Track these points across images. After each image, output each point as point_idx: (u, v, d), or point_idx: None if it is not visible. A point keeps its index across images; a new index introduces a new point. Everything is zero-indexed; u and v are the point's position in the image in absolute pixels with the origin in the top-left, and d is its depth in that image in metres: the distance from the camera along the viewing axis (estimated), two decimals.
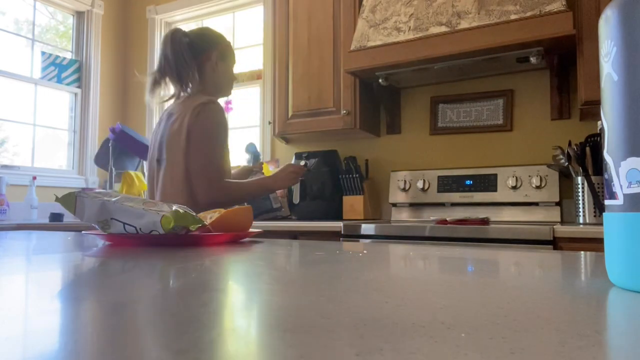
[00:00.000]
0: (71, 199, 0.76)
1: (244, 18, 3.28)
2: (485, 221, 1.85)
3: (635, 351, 0.19)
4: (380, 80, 2.25)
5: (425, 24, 2.00)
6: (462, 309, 0.27)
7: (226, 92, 1.57)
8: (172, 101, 1.55)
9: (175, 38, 1.45)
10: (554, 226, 1.60)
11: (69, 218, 2.92)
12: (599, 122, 1.98)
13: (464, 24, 1.91)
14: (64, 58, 3.36)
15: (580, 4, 1.84)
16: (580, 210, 1.81)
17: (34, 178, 2.80)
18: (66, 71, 3.35)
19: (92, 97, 3.42)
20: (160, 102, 1.55)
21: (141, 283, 0.36)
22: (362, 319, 0.24)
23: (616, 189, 0.33)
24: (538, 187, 2.07)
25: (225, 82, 1.54)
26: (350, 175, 2.38)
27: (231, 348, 0.19)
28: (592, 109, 1.87)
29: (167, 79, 1.46)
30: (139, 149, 2.87)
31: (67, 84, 3.35)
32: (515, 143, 2.27)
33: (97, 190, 0.83)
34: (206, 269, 0.45)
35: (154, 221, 0.73)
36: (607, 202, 0.35)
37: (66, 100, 3.38)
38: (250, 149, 2.35)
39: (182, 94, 1.49)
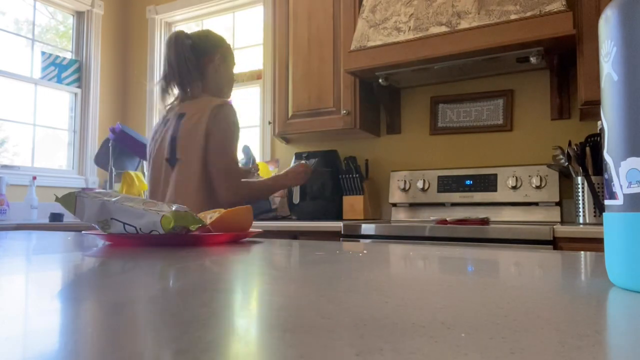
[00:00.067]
0: (71, 199, 0.76)
1: (244, 18, 3.28)
2: (485, 221, 1.85)
3: (635, 351, 0.19)
4: (380, 80, 2.25)
5: (425, 24, 2.00)
6: (462, 309, 0.27)
7: (227, 93, 1.61)
8: (174, 101, 1.56)
9: (178, 41, 1.48)
10: (554, 226, 1.60)
11: (69, 218, 2.92)
12: (599, 122, 1.98)
13: (464, 24, 1.91)
14: (64, 58, 3.36)
15: (580, 4, 1.84)
16: (580, 210, 1.81)
17: (34, 178, 2.80)
18: (66, 71, 3.35)
19: (92, 97, 3.42)
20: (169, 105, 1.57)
21: (141, 283, 0.36)
22: (362, 319, 0.24)
23: (616, 189, 0.33)
24: (538, 187, 2.07)
25: (226, 83, 1.57)
26: (350, 175, 2.38)
27: (231, 348, 0.19)
28: (592, 109, 1.87)
29: (173, 85, 1.50)
30: (139, 149, 2.87)
31: (67, 84, 3.35)
32: (515, 143, 2.27)
33: (97, 190, 0.83)
34: (206, 269, 0.45)
35: (154, 221, 0.73)
36: (607, 202, 0.35)
37: (66, 100, 3.38)
38: (246, 150, 2.38)
39: (188, 94, 1.51)
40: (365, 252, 0.64)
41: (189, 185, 1.41)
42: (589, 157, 1.81)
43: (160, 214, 0.73)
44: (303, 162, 1.64)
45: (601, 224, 1.69)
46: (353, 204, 2.38)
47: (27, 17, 3.20)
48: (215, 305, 0.28)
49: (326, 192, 2.40)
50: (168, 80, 1.49)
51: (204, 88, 1.52)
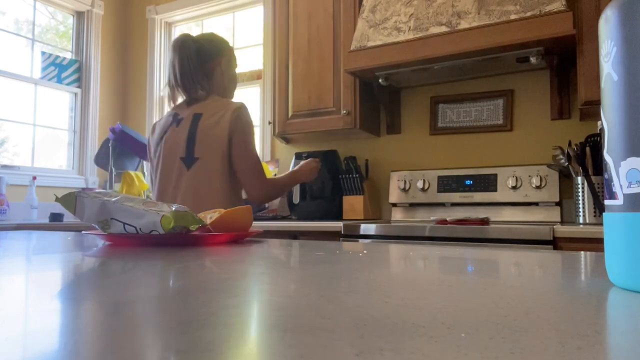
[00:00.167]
0: (71, 199, 0.76)
1: (244, 18, 3.28)
2: (485, 221, 1.85)
3: (635, 351, 0.19)
4: (380, 80, 2.25)
5: (425, 24, 2.00)
6: (462, 309, 0.27)
7: (232, 93, 1.64)
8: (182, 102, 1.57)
9: (184, 45, 1.51)
10: (554, 226, 1.60)
11: (69, 218, 2.92)
12: (599, 122, 1.98)
13: (464, 24, 1.91)
14: (64, 58, 3.36)
15: (580, 4, 1.84)
16: (580, 210, 1.81)
17: (34, 178, 2.80)
18: (66, 71, 3.35)
19: (92, 97, 3.42)
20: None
21: (141, 283, 0.36)
22: (362, 319, 0.24)
23: (616, 189, 0.33)
24: (538, 187, 2.07)
25: (231, 84, 1.62)
26: (350, 175, 2.38)
27: (231, 348, 0.19)
28: (592, 109, 1.87)
29: (178, 88, 1.53)
30: (139, 149, 2.87)
31: (67, 84, 3.35)
32: (515, 143, 2.27)
33: (97, 190, 0.83)
34: (206, 269, 0.45)
35: (154, 221, 0.73)
36: (607, 202, 0.35)
37: (66, 100, 3.38)
38: None
39: (195, 95, 1.53)
40: (365, 252, 0.64)
41: (210, 183, 1.44)
42: (589, 157, 1.81)
43: (160, 214, 0.73)
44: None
45: (601, 224, 1.69)
46: (353, 204, 2.38)
47: (27, 17, 3.20)
48: (215, 305, 0.27)
49: (326, 192, 2.40)
50: (172, 84, 1.53)
51: (211, 90, 1.55)
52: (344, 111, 2.34)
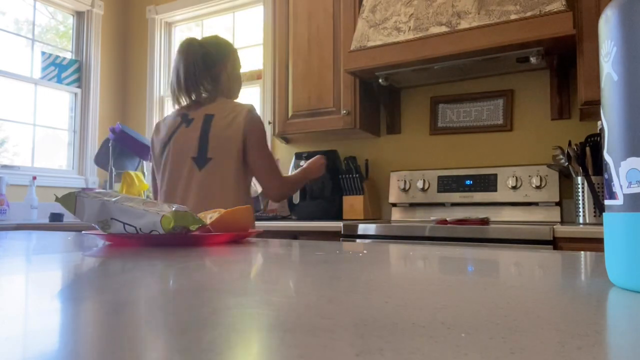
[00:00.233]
0: (71, 199, 0.76)
1: (244, 18, 3.28)
2: (485, 221, 1.85)
3: (635, 351, 0.19)
4: (380, 80, 2.25)
5: (425, 24, 2.00)
6: (462, 309, 0.27)
7: (237, 95, 1.66)
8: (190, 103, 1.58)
9: (190, 50, 1.53)
10: (554, 226, 1.60)
11: (69, 218, 2.92)
12: (599, 122, 1.98)
13: (464, 24, 1.91)
14: (64, 58, 3.36)
15: (580, 4, 1.84)
16: (580, 210, 1.81)
17: (34, 178, 2.80)
18: (66, 71, 3.35)
19: (92, 97, 3.42)
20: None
21: (141, 283, 0.36)
22: (362, 319, 0.24)
23: (616, 189, 0.33)
24: (538, 187, 2.07)
25: (236, 86, 1.64)
26: (350, 175, 2.38)
27: (231, 348, 0.19)
28: (592, 109, 1.87)
29: (180, 91, 1.54)
30: (139, 149, 2.87)
31: (67, 84, 3.35)
32: (515, 143, 2.27)
33: (97, 190, 0.83)
34: (206, 269, 0.45)
35: (154, 221, 0.73)
36: (607, 202, 0.35)
37: (66, 100, 3.38)
38: None
39: (199, 98, 1.55)
40: (365, 252, 0.64)
41: (222, 184, 1.46)
42: (589, 157, 1.81)
43: (160, 214, 0.73)
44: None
45: (601, 224, 1.69)
46: (353, 204, 2.38)
47: (27, 17, 3.20)
48: (215, 305, 0.28)
49: (326, 192, 2.40)
50: (174, 87, 1.54)
51: (216, 92, 1.57)
52: (344, 111, 2.34)
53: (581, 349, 0.19)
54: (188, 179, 1.48)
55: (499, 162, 2.30)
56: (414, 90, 2.53)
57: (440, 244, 1.69)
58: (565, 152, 1.89)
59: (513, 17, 1.81)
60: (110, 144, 2.85)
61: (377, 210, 2.53)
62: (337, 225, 1.97)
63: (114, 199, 0.76)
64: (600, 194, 1.76)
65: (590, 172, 1.80)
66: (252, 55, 3.18)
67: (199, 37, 1.61)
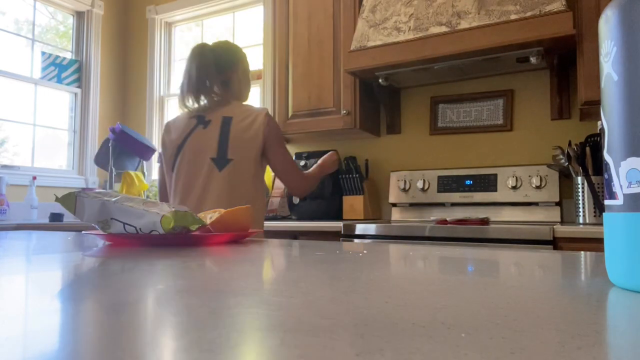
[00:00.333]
0: (71, 199, 0.76)
1: (244, 18, 3.28)
2: (485, 221, 1.85)
3: (635, 351, 0.19)
4: (380, 80, 2.25)
5: (425, 24, 2.00)
6: (462, 309, 0.27)
7: (246, 98, 1.71)
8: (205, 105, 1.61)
9: (202, 55, 1.57)
10: (554, 226, 1.60)
11: (69, 218, 2.92)
12: (599, 122, 1.98)
13: (464, 24, 1.91)
14: (64, 58, 3.36)
15: (580, 4, 1.84)
16: (580, 210, 1.81)
17: (34, 178, 2.80)
18: (66, 71, 3.35)
19: (92, 97, 3.42)
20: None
21: (141, 283, 0.36)
22: (362, 319, 0.24)
23: (616, 189, 0.33)
24: (538, 187, 2.07)
25: (246, 89, 1.69)
26: (350, 175, 2.38)
27: (231, 348, 0.19)
28: (592, 109, 1.87)
29: (189, 94, 1.57)
30: (139, 149, 2.87)
31: (67, 84, 3.35)
32: (515, 143, 2.27)
33: (97, 190, 0.83)
34: (206, 269, 0.45)
35: (154, 221, 0.73)
36: (607, 202, 0.35)
37: (66, 100, 3.38)
38: None
39: (211, 100, 1.59)
40: (365, 252, 0.64)
41: (242, 184, 1.51)
42: (589, 157, 1.81)
43: (160, 214, 0.73)
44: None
45: (601, 224, 1.69)
46: (353, 204, 2.38)
47: (27, 17, 3.20)
48: (215, 305, 0.28)
49: (326, 192, 2.40)
50: (183, 88, 1.58)
51: (227, 96, 1.62)
52: (344, 111, 2.34)
53: (581, 349, 0.19)
54: (207, 179, 1.51)
55: (499, 162, 2.30)
56: (414, 90, 2.53)
57: (440, 244, 1.69)
58: (565, 152, 1.89)
59: (513, 17, 1.81)
60: (110, 144, 2.85)
61: (377, 210, 2.53)
62: (337, 225, 1.97)
63: (114, 199, 0.76)
64: (600, 194, 1.76)
65: (590, 172, 1.80)
66: (252, 55, 3.17)
67: (209, 43, 1.65)
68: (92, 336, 0.21)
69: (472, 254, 0.61)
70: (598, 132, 1.90)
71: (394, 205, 2.43)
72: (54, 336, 0.21)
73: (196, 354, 0.18)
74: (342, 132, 2.46)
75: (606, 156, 0.34)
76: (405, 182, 2.37)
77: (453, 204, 2.27)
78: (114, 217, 0.74)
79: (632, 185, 0.31)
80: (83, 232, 0.91)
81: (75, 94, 3.40)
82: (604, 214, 0.35)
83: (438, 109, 2.45)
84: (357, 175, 2.36)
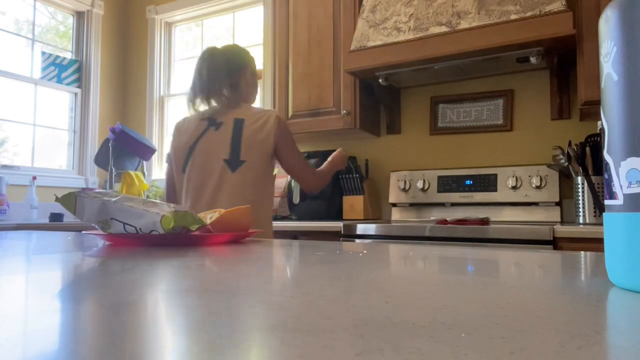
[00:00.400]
0: (71, 199, 0.76)
1: (244, 18, 3.28)
2: (485, 221, 1.85)
3: (635, 351, 0.19)
4: (380, 80, 2.24)
5: (425, 24, 2.00)
6: (462, 309, 0.27)
7: (254, 99, 1.74)
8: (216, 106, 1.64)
9: (212, 58, 1.62)
10: (554, 226, 1.60)
11: (69, 218, 2.92)
12: (599, 122, 1.98)
13: (464, 24, 1.91)
14: (64, 58, 3.36)
15: (580, 4, 1.84)
16: (580, 210, 1.81)
17: (34, 178, 2.80)
18: (66, 71, 3.35)
19: (92, 97, 3.42)
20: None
21: (141, 283, 0.36)
22: (362, 319, 0.24)
23: (616, 189, 0.33)
24: (538, 187, 2.07)
25: (254, 94, 1.73)
26: (350, 175, 2.38)
27: (231, 348, 0.19)
28: (592, 109, 1.87)
29: (200, 96, 1.61)
30: (139, 149, 2.87)
31: (67, 84, 3.35)
32: (515, 143, 2.27)
33: (97, 190, 0.83)
34: (206, 269, 0.45)
35: (154, 221, 0.73)
36: (607, 202, 0.35)
37: (66, 100, 3.38)
38: None
39: (221, 102, 1.62)
40: (365, 252, 0.64)
41: (255, 185, 1.55)
42: (589, 157, 1.81)
43: (160, 214, 0.73)
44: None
45: (601, 224, 1.69)
46: (353, 204, 2.38)
47: (27, 17, 3.20)
48: (215, 305, 0.28)
49: (326, 192, 2.40)
50: (195, 90, 1.62)
51: (236, 98, 1.65)
52: (344, 111, 2.34)
53: (581, 349, 0.19)
54: (220, 180, 1.54)
55: (499, 162, 2.30)
56: (414, 90, 2.53)
57: (440, 244, 1.69)
58: (565, 152, 1.89)
59: (513, 17, 1.81)
60: (110, 144, 2.85)
61: (377, 210, 2.53)
62: (337, 225, 1.97)
63: (114, 199, 0.76)
64: (600, 194, 1.76)
65: (590, 172, 1.80)
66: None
67: (218, 46, 1.70)
68: (92, 336, 0.21)
69: (472, 254, 0.61)
70: (598, 132, 1.90)
71: (394, 205, 2.43)
72: (54, 336, 0.21)
73: (196, 354, 0.18)
74: (342, 132, 2.46)
75: (606, 156, 0.34)
76: (405, 182, 2.37)
77: (453, 204, 2.27)
78: (114, 217, 0.74)
79: (632, 185, 0.31)
80: (83, 232, 0.91)
81: (75, 94, 3.40)
82: (604, 214, 0.35)
83: (438, 109, 2.45)
84: (357, 175, 2.36)
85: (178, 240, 0.75)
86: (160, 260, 0.52)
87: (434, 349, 0.19)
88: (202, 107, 1.63)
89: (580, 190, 1.82)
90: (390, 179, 2.44)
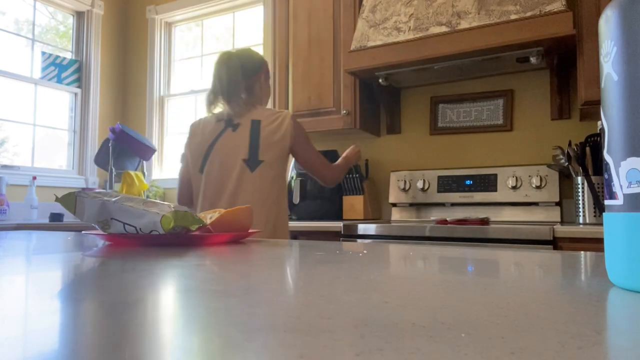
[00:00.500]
0: (71, 199, 0.76)
1: (244, 18, 3.28)
2: (485, 221, 1.85)
3: (635, 351, 0.19)
4: (380, 80, 2.24)
5: (425, 24, 2.00)
6: (462, 309, 0.27)
7: (267, 101, 1.79)
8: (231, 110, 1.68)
9: (230, 62, 1.67)
10: (554, 226, 1.60)
11: (69, 218, 2.92)
12: (599, 122, 1.98)
13: (464, 24, 1.91)
14: (64, 58, 3.36)
15: (580, 4, 1.84)
16: (580, 210, 1.81)
17: (34, 178, 2.80)
18: (66, 71, 3.35)
19: (92, 97, 3.42)
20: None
21: (141, 283, 0.36)
22: (362, 319, 0.24)
23: (616, 189, 0.33)
24: (538, 187, 2.07)
25: (268, 95, 1.78)
26: (350, 175, 2.38)
27: (232, 348, 0.19)
28: (592, 109, 1.87)
29: (220, 98, 1.66)
30: (139, 149, 2.87)
31: (67, 84, 3.35)
32: (515, 143, 2.27)
33: (97, 190, 0.83)
34: (206, 269, 0.45)
35: (154, 221, 0.73)
36: (607, 202, 0.35)
37: (66, 100, 3.38)
38: None
39: (238, 104, 1.67)
40: (365, 252, 0.64)
41: (272, 184, 1.60)
42: (589, 157, 1.81)
43: (160, 214, 0.73)
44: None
45: (601, 224, 1.69)
46: (353, 204, 2.38)
47: (27, 17, 3.20)
48: (215, 306, 0.28)
49: (326, 192, 2.40)
50: (215, 94, 1.67)
51: (251, 100, 1.69)
52: (344, 111, 2.34)
53: (581, 349, 0.19)
54: (239, 180, 1.58)
55: (499, 162, 2.30)
56: (414, 90, 2.53)
57: (440, 244, 1.69)
58: (565, 152, 1.89)
59: (513, 17, 1.81)
60: (110, 144, 2.85)
61: (377, 210, 2.53)
62: (337, 225, 1.97)
63: (114, 199, 0.76)
64: (600, 194, 1.76)
65: (590, 172, 1.80)
66: None
67: (233, 50, 1.74)
68: (92, 336, 0.21)
69: (472, 254, 0.61)
70: (598, 132, 1.90)
71: (394, 205, 2.43)
72: (54, 336, 0.21)
73: (196, 354, 0.18)
74: (342, 132, 2.46)
75: (606, 156, 0.34)
76: (405, 182, 2.37)
77: (453, 204, 2.27)
78: (114, 217, 0.74)
79: (632, 185, 0.31)
80: (83, 232, 0.91)
81: (75, 94, 3.40)
82: (604, 214, 0.35)
83: (438, 109, 2.44)
84: (357, 175, 2.36)
85: (178, 240, 0.75)
86: (160, 260, 0.52)
87: (434, 349, 0.19)
88: (217, 109, 1.68)
89: (580, 190, 1.82)
90: (390, 179, 2.44)
